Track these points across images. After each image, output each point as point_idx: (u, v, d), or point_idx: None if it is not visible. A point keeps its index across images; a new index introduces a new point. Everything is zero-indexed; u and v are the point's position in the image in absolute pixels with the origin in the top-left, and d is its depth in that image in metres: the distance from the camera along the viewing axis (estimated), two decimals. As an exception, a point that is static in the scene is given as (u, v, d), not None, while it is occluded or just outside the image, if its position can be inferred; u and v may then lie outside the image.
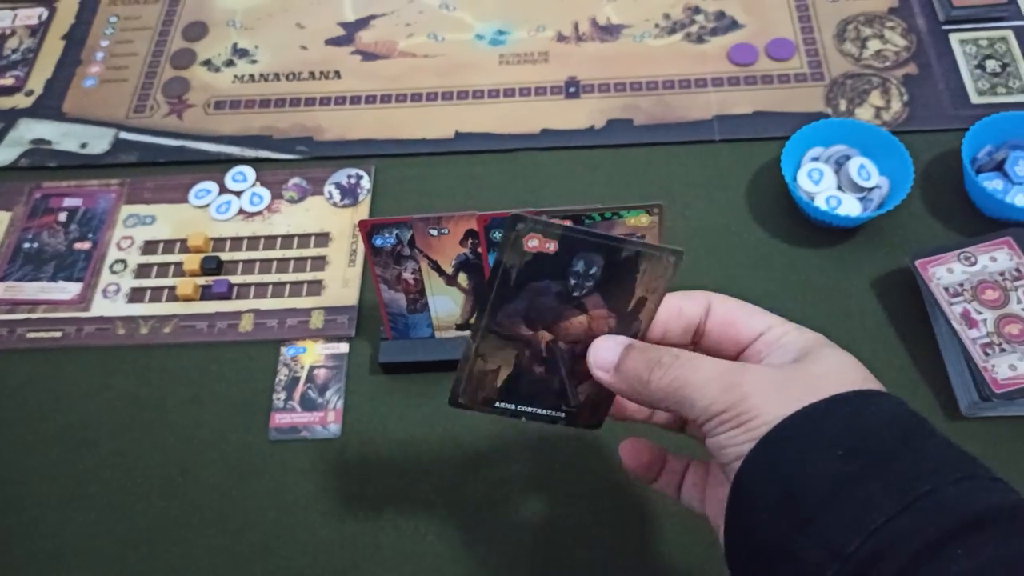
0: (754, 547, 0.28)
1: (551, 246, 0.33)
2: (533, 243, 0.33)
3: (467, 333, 0.52)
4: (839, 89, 0.63)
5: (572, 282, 0.34)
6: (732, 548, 0.30)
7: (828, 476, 0.26)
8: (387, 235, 0.49)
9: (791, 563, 0.26)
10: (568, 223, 0.33)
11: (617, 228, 0.47)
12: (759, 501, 0.28)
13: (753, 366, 0.31)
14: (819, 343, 0.32)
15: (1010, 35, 0.64)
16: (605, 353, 0.34)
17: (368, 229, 0.49)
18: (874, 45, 0.65)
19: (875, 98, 0.62)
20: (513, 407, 0.37)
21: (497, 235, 0.48)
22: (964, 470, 0.26)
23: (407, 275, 0.50)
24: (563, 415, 0.37)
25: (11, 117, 0.68)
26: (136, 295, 0.59)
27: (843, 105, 0.62)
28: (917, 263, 0.52)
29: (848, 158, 0.57)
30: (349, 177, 0.63)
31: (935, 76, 0.63)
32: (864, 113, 0.61)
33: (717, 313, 0.34)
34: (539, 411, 0.37)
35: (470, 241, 0.49)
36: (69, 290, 0.59)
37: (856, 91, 0.63)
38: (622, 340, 0.34)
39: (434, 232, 0.49)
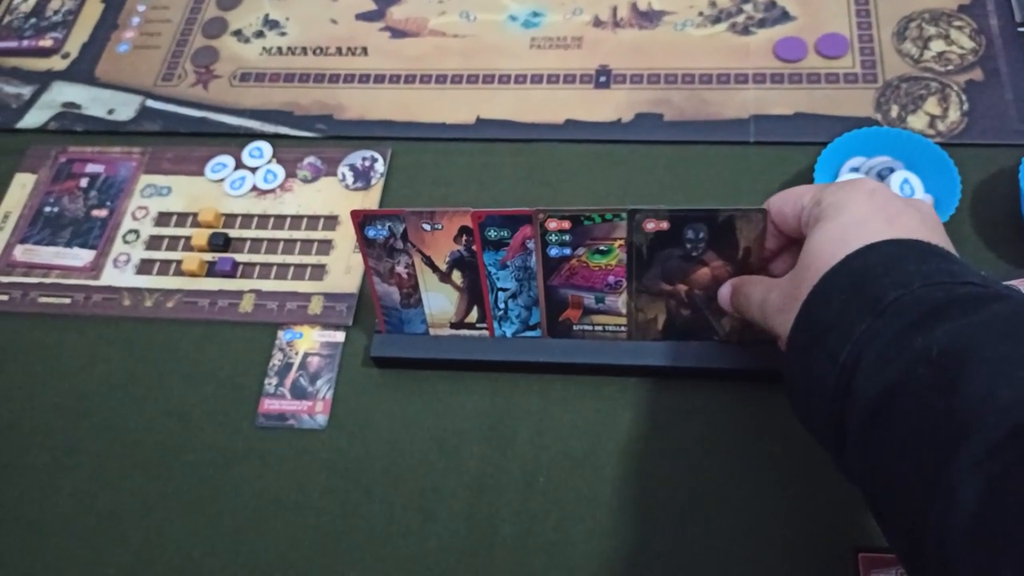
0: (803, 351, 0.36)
1: (664, 224, 0.44)
2: (650, 225, 0.44)
3: (462, 332, 0.50)
4: (892, 93, 0.58)
5: (688, 247, 0.45)
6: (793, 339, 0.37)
7: (833, 310, 0.34)
8: (380, 227, 0.47)
9: (813, 376, 0.35)
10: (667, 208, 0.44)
11: (618, 230, 0.44)
12: (803, 332, 0.36)
13: (776, 279, 0.41)
14: (832, 210, 0.38)
15: (1096, 42, 0.57)
16: (722, 295, 0.45)
17: (360, 220, 0.47)
18: (937, 46, 0.59)
19: (931, 105, 0.57)
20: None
21: (492, 233, 0.46)
22: (933, 279, 0.33)
23: (400, 269, 0.49)
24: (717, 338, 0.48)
25: (46, 79, 0.69)
26: (145, 267, 0.59)
27: (894, 111, 0.57)
28: (953, 294, 0.47)
29: (892, 171, 0.53)
30: (364, 160, 0.61)
31: (1003, 84, 0.57)
32: (917, 122, 0.56)
33: (773, 216, 0.43)
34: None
35: (464, 238, 0.47)
36: (82, 257, 0.60)
37: (911, 96, 0.57)
38: (728, 283, 0.45)
39: (427, 227, 0.47)
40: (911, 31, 0.60)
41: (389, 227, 0.47)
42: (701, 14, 0.64)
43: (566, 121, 0.61)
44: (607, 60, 0.63)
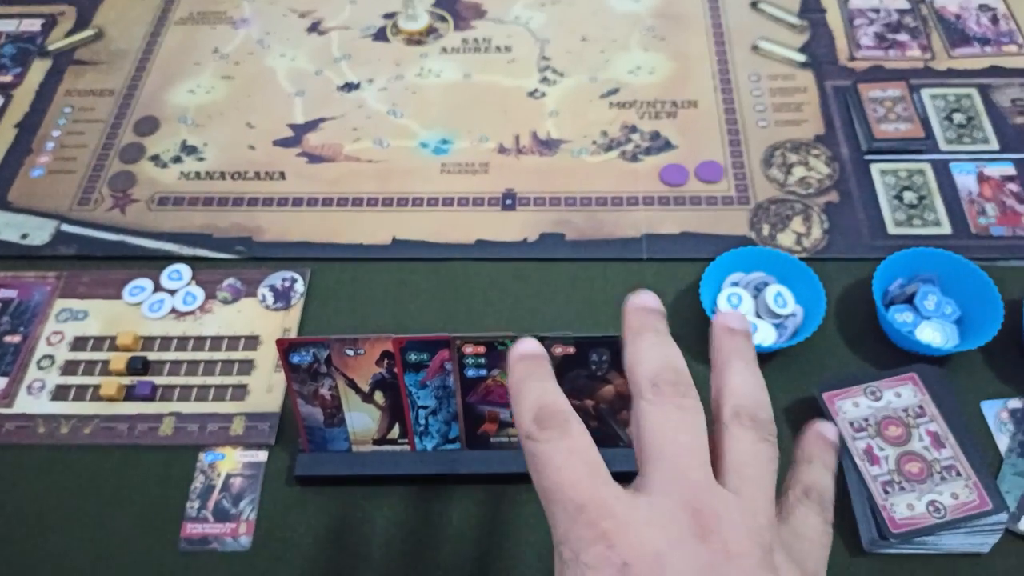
0: None
1: (571, 349, 0.48)
2: (558, 350, 0.48)
3: (385, 447, 0.53)
4: (763, 214, 0.65)
5: (593, 367, 0.49)
6: None
7: None
8: (304, 353, 0.50)
9: None
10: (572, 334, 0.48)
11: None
12: None
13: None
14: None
15: (928, 168, 0.67)
16: None
17: (286, 347, 0.49)
18: (799, 172, 0.68)
19: (797, 224, 0.65)
20: None
21: (413, 357, 0.50)
22: None
23: (324, 391, 0.51)
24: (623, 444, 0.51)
25: (-45, 204, 0.69)
26: (60, 392, 0.58)
27: (766, 230, 0.64)
28: (824, 395, 0.53)
29: (766, 284, 0.59)
30: (284, 280, 0.64)
31: (855, 205, 0.65)
32: (786, 239, 0.64)
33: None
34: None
35: (386, 361, 0.50)
36: (-7, 385, 0.59)
37: (779, 216, 0.65)
38: None
39: (350, 352, 0.50)
40: (776, 158, 0.69)
41: (314, 353, 0.50)
42: (594, 143, 0.71)
43: (477, 241, 0.65)
44: (513, 184, 0.68)
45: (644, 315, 0.32)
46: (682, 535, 0.25)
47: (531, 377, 0.31)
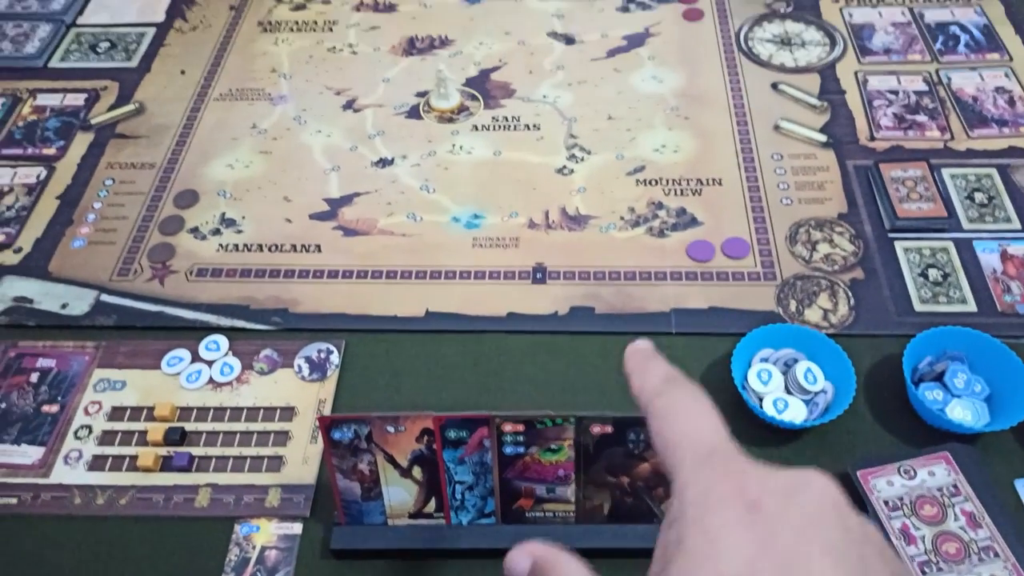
0: None
1: (609, 428, 0.49)
2: (596, 429, 0.49)
3: (420, 521, 0.53)
4: (790, 290, 0.66)
5: (631, 446, 0.50)
6: None
7: None
8: (345, 429, 0.50)
9: None
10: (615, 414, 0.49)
11: (567, 432, 0.49)
12: None
13: None
14: (691, 546, 0.25)
15: (951, 246, 0.68)
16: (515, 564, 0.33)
17: (327, 424, 0.50)
18: (824, 248, 0.69)
19: (823, 300, 0.66)
20: None
21: (452, 434, 0.50)
22: None
23: (363, 466, 0.52)
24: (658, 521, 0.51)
25: (-2, 273, 0.71)
26: (97, 463, 0.59)
27: (793, 305, 0.65)
28: (859, 473, 0.54)
29: (796, 361, 0.60)
30: (319, 351, 0.65)
31: (880, 282, 0.67)
32: (813, 315, 0.65)
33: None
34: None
35: (426, 438, 0.50)
36: (31, 454, 0.60)
37: (806, 292, 0.66)
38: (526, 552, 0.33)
39: (391, 429, 0.50)
40: (801, 235, 0.70)
41: (355, 430, 0.50)
42: (622, 218, 0.72)
43: (508, 314, 0.66)
44: (543, 258, 0.70)
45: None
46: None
47: (654, 358, 0.33)
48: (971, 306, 0.64)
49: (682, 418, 0.29)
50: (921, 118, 0.78)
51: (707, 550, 0.24)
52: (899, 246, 0.69)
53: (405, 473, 0.52)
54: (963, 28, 0.87)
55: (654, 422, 0.30)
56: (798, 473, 0.26)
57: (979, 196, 0.71)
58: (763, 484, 0.25)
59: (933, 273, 0.67)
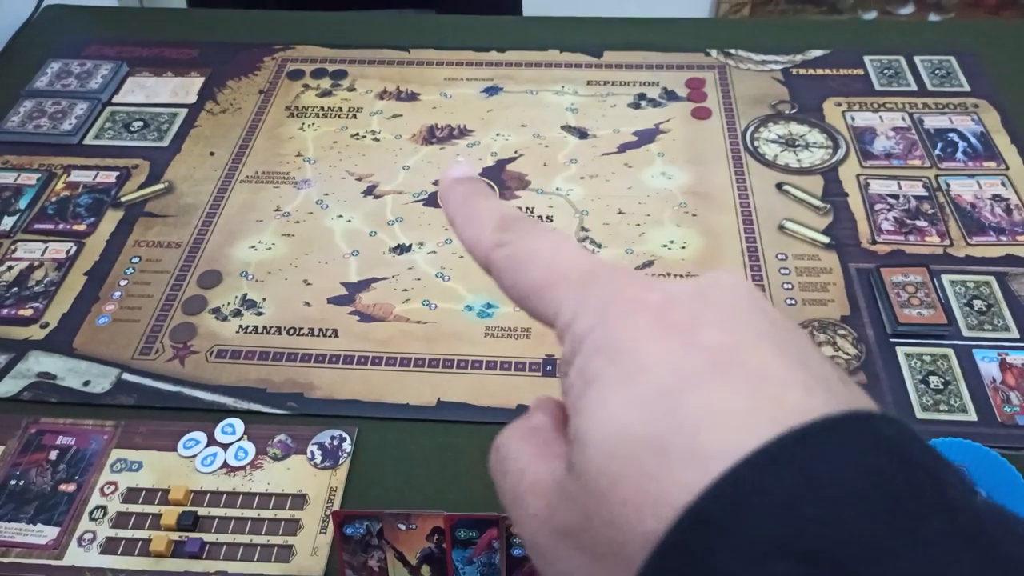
0: None
1: None
2: None
3: (426, 619, 0.54)
4: (794, 392, 0.68)
5: None
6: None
7: None
8: (358, 525, 0.52)
9: None
10: None
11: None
12: None
13: (545, 468, 0.23)
14: (605, 361, 0.21)
15: (951, 353, 0.70)
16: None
17: (341, 519, 0.51)
18: (827, 351, 0.71)
19: (827, 404, 0.67)
20: None
21: (462, 534, 0.51)
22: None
23: (372, 563, 0.53)
24: None
25: (23, 348, 0.73)
26: (110, 546, 0.60)
27: (797, 408, 0.67)
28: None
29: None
30: (332, 439, 0.66)
31: (883, 387, 0.68)
32: (816, 418, 0.66)
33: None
34: None
35: (436, 537, 0.52)
36: (46, 534, 0.61)
37: (810, 395, 0.68)
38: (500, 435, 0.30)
39: (403, 527, 0.51)
40: (805, 337, 0.72)
41: (367, 526, 0.52)
42: (631, 313, 0.74)
43: (518, 406, 0.68)
44: (552, 350, 0.72)
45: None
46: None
47: (477, 195, 0.27)
48: (972, 415, 0.66)
49: (539, 258, 0.24)
50: (921, 223, 0.81)
51: (625, 370, 0.20)
52: (900, 351, 0.71)
53: (414, 571, 0.53)
54: (961, 135, 0.90)
55: (502, 276, 0.25)
56: (702, 275, 0.23)
57: (978, 303, 0.74)
58: (666, 289, 0.22)
59: (934, 380, 0.68)
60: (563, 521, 0.21)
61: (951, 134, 0.90)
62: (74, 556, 0.60)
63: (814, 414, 0.19)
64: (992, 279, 0.76)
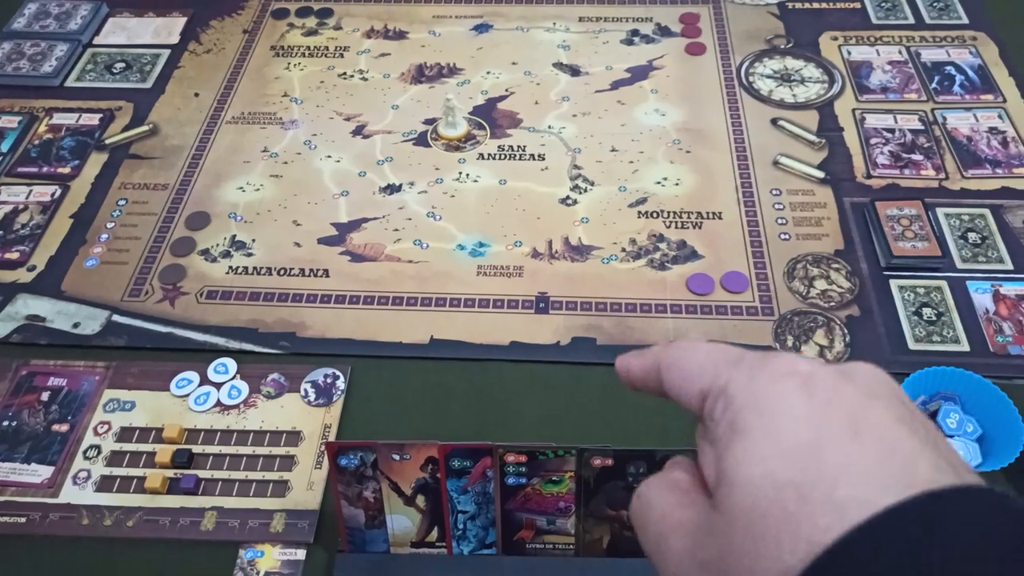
0: None
1: (609, 461, 0.50)
2: (597, 461, 0.50)
3: (422, 550, 0.54)
4: (787, 325, 0.68)
5: (631, 479, 0.50)
6: None
7: None
8: (352, 457, 0.52)
9: None
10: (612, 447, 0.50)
11: (569, 464, 0.50)
12: None
13: (687, 515, 0.25)
14: (750, 418, 0.23)
15: (944, 286, 0.70)
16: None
17: (335, 450, 0.51)
18: (820, 285, 0.71)
19: (820, 336, 0.67)
20: None
21: (456, 463, 0.51)
22: None
23: (368, 494, 0.53)
24: None
25: (10, 291, 0.72)
26: (105, 483, 0.60)
27: (790, 341, 0.67)
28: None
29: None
30: (326, 376, 0.66)
31: (875, 320, 0.68)
32: (809, 351, 0.66)
33: (669, 391, 0.29)
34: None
35: (430, 467, 0.52)
36: (40, 473, 0.61)
37: (802, 328, 0.68)
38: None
39: (397, 457, 0.51)
40: (798, 271, 0.72)
41: (361, 457, 0.52)
42: (624, 250, 0.74)
43: (511, 343, 0.68)
44: (545, 288, 0.71)
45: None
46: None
47: (638, 354, 0.31)
48: (964, 346, 0.66)
49: (694, 354, 0.27)
50: (917, 157, 0.80)
51: (768, 425, 0.23)
52: (894, 284, 0.70)
53: (409, 502, 0.53)
54: (958, 68, 0.89)
55: (666, 376, 0.28)
56: (845, 363, 0.25)
57: (972, 236, 0.73)
58: (812, 363, 0.24)
59: (927, 312, 0.68)
60: (706, 554, 0.23)
61: (948, 67, 0.89)
62: (69, 494, 0.60)
63: (943, 485, 0.21)
64: (987, 212, 0.75)
